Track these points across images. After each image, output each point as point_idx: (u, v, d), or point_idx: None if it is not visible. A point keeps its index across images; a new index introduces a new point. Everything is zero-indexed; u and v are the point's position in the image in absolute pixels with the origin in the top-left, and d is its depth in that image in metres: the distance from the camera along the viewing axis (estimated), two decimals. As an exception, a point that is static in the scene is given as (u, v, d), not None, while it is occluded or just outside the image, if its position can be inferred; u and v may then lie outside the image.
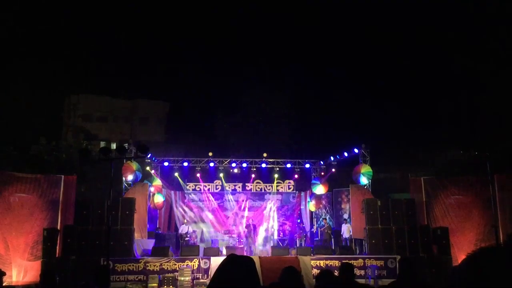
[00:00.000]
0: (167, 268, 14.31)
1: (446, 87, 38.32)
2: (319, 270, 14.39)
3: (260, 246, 18.99)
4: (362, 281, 13.42)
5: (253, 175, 20.58)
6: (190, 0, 50.41)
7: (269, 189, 21.11)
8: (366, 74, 46.06)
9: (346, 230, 17.38)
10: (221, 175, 20.27)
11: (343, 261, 12.78)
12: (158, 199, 18.84)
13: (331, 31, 48.43)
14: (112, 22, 49.45)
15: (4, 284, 12.79)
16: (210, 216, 20.68)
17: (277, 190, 21.27)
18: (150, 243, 16.26)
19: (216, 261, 14.15)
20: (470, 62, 37.27)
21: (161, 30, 51.25)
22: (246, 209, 20.86)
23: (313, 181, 19.85)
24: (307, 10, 48.55)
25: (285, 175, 21.23)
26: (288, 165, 20.63)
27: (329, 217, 19.60)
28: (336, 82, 43.32)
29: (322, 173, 20.45)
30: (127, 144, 17.56)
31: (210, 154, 20.05)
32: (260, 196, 21.12)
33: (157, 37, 52.07)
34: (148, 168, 18.89)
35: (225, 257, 2.43)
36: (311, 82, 40.78)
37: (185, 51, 51.19)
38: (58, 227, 14.79)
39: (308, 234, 20.14)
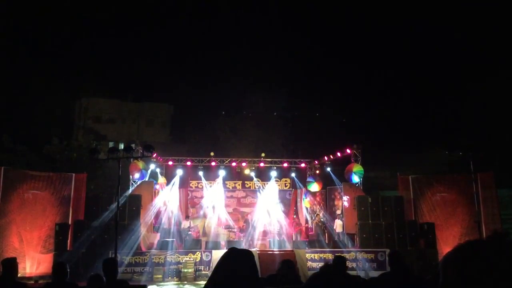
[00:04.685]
0: (171, 260, 14.30)
1: (433, 92, 38.37)
2: (313, 263, 14.44)
3: (259, 240, 18.96)
4: (353, 273, 13.41)
5: (252, 174, 20.57)
6: (194, 3, 50.06)
7: (267, 187, 21.08)
8: (358, 78, 46.00)
9: (338, 225, 17.36)
10: (222, 173, 20.24)
11: (336, 254, 12.78)
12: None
13: (328, 33, 48.25)
14: (122, 30, 49.34)
15: (18, 275, 12.77)
16: (211, 212, 20.67)
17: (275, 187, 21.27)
18: (155, 237, 16.24)
19: (217, 254, 14.14)
20: (456, 65, 37.36)
21: (165, 37, 51.12)
22: (248, 206, 20.85)
23: (308, 179, 19.83)
24: (305, 10, 48.14)
25: (282, 173, 21.18)
26: (285, 164, 20.60)
27: (322, 214, 19.60)
28: (330, 87, 43.34)
29: (317, 172, 20.43)
30: (134, 144, 17.51)
31: (212, 154, 20.03)
32: (259, 193, 21.09)
33: (163, 44, 51.97)
34: (153, 166, 18.86)
35: (226, 250, 2.42)
36: (307, 86, 40.72)
37: (190, 58, 51.04)
38: (69, 222, 14.79)
39: (304, 229, 20.14)
